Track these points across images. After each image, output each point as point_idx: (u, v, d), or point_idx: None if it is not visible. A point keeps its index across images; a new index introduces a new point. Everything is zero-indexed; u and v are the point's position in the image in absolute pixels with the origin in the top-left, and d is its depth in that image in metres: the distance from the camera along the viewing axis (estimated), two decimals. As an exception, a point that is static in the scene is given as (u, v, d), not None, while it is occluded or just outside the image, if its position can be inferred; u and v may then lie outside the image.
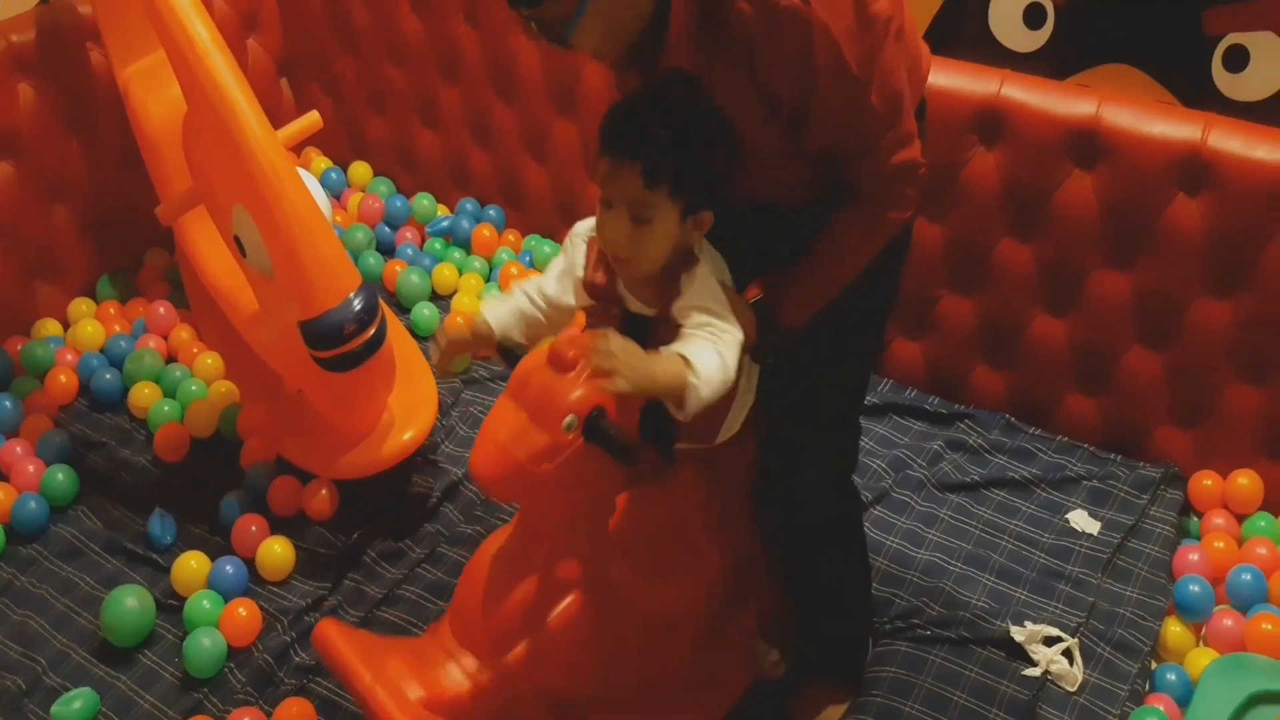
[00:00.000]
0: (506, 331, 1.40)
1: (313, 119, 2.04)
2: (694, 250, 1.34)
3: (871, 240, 1.34)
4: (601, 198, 1.29)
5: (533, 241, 2.70)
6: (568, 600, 1.40)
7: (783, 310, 1.38)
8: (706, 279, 1.32)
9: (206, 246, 2.05)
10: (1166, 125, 1.95)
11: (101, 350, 2.33)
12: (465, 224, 2.72)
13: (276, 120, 1.97)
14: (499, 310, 1.42)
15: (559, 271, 1.42)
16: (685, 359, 1.24)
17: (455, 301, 2.52)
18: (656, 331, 1.35)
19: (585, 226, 1.40)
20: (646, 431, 1.35)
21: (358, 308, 1.73)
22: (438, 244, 2.71)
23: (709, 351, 1.26)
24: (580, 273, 1.39)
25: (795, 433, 1.47)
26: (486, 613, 1.38)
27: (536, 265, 2.65)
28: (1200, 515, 2.04)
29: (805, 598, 1.65)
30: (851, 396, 1.53)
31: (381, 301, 1.82)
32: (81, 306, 2.43)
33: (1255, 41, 1.97)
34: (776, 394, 1.47)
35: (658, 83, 1.27)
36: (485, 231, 2.69)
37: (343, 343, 1.72)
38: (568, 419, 1.24)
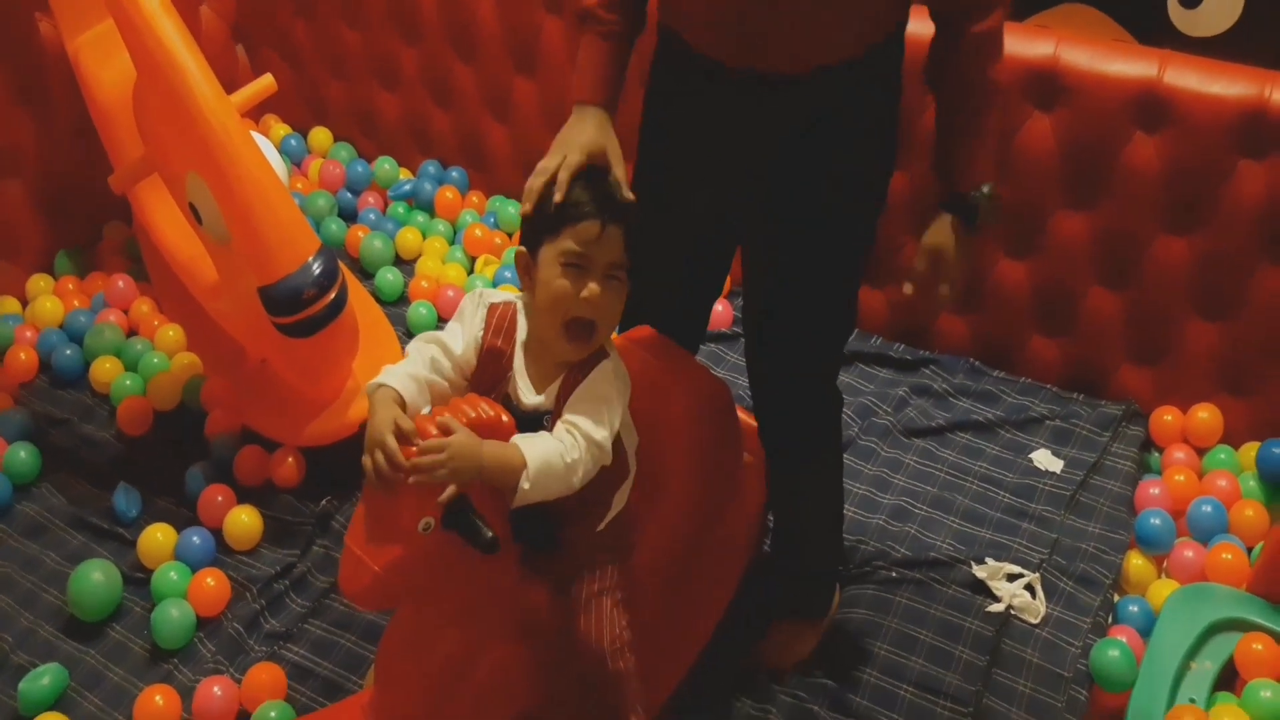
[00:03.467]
0: (413, 400, 1.28)
1: (266, 82, 2.01)
2: (605, 345, 1.34)
3: (1001, 56, 1.36)
4: (570, 263, 1.27)
5: (497, 203, 2.68)
6: (495, 649, 1.40)
7: (972, 171, 1.37)
8: (602, 374, 1.31)
9: (163, 216, 2.02)
10: (1123, 64, 1.95)
11: (61, 326, 2.31)
12: (428, 187, 2.70)
13: (232, 87, 1.95)
14: (399, 376, 1.29)
15: (459, 335, 1.36)
16: (524, 458, 1.22)
17: (419, 265, 2.50)
18: (554, 419, 1.32)
19: (489, 296, 1.37)
20: (519, 533, 1.34)
21: (317, 272, 1.71)
22: (400, 208, 2.69)
23: (553, 457, 1.24)
24: (479, 336, 1.34)
25: (810, 315, 1.47)
26: (415, 683, 1.37)
27: (500, 226, 2.63)
28: (1161, 450, 2.06)
29: (789, 513, 1.67)
30: (859, 270, 1.50)
31: (342, 265, 1.80)
32: (39, 283, 2.40)
33: (1210, -24, 1.97)
34: (786, 286, 1.45)
35: (589, 169, 1.31)
36: (448, 194, 2.67)
37: (303, 308, 1.71)
38: (423, 521, 1.20)
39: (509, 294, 1.39)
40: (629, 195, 1.33)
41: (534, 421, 1.32)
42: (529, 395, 1.33)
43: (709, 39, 1.33)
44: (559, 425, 1.29)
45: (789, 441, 1.60)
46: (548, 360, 1.34)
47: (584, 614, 1.40)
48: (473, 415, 1.26)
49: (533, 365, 1.34)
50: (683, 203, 1.44)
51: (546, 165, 1.32)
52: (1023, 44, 2.01)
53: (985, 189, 1.39)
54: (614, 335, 1.56)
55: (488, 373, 1.35)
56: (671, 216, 1.40)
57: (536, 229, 1.31)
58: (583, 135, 1.34)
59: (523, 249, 1.34)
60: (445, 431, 1.21)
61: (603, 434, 1.29)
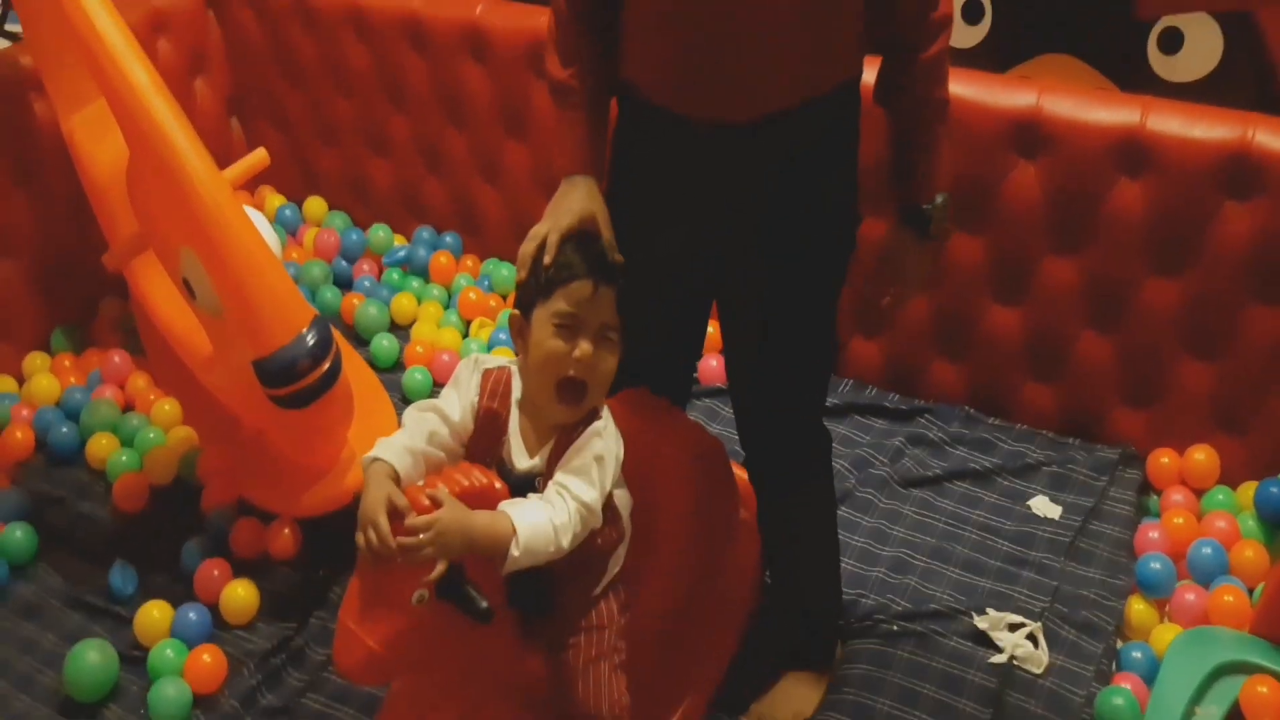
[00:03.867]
0: (408, 474, 1.29)
1: (259, 156, 2.04)
2: (598, 408, 1.35)
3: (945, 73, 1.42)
4: (563, 323, 1.30)
5: (491, 265, 2.70)
6: (494, 717, 1.39)
7: (927, 185, 1.44)
8: (594, 434, 1.32)
9: (158, 291, 2.04)
10: (1105, 111, 1.98)
11: (57, 404, 2.32)
12: (422, 252, 2.72)
13: (228, 160, 1.98)
14: (394, 449, 1.29)
15: (456, 401, 1.37)
16: (513, 525, 1.23)
17: (415, 331, 2.52)
18: (543, 486, 1.33)
19: (484, 362, 1.39)
20: (515, 598, 1.35)
21: (311, 343, 1.72)
22: (395, 274, 2.71)
23: (542, 520, 1.24)
24: (474, 400, 1.36)
25: (786, 354, 1.50)
26: None
27: (495, 289, 2.65)
28: (1159, 493, 2.05)
29: (783, 555, 1.67)
30: (833, 306, 1.53)
31: (337, 334, 1.81)
32: (36, 361, 2.41)
33: (1188, 23, 2.00)
34: (763, 321, 1.48)
35: (578, 234, 1.34)
36: (443, 259, 2.69)
37: (297, 379, 1.71)
38: (417, 593, 1.20)
39: (503, 359, 1.41)
40: (619, 258, 1.35)
41: (526, 485, 1.32)
42: (522, 459, 1.34)
43: (666, 91, 1.35)
44: (550, 487, 1.29)
45: (776, 478, 1.62)
46: (541, 423, 1.34)
47: (581, 680, 1.39)
48: (465, 484, 1.26)
49: (527, 428, 1.35)
50: (653, 254, 1.45)
51: (538, 231, 1.35)
52: (1006, 94, 2.04)
53: (939, 199, 1.46)
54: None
55: (484, 436, 1.36)
56: (643, 269, 1.43)
57: (529, 292, 1.33)
58: (572, 202, 1.37)
59: (516, 312, 1.36)
60: (435, 504, 1.21)
61: (592, 495, 1.29)
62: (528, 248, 1.34)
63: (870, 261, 1.55)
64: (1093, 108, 1.98)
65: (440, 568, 1.20)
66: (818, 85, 1.34)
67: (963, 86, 2.06)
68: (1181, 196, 1.94)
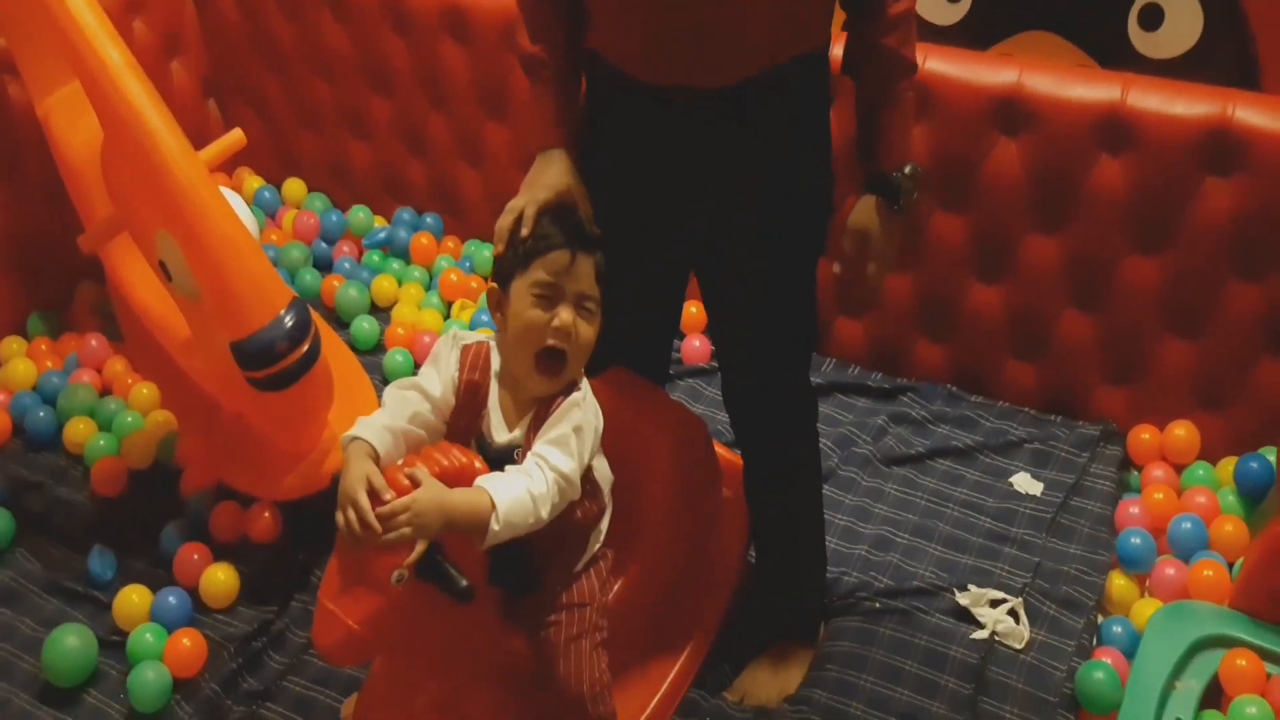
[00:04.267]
0: (388, 453, 1.27)
1: (235, 137, 2.01)
2: (577, 380, 1.35)
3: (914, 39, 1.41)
4: (542, 294, 1.30)
5: (472, 247, 2.69)
6: (475, 696, 1.39)
7: (895, 152, 1.42)
8: (572, 405, 1.32)
9: (135, 274, 2.01)
10: (1086, 88, 1.98)
11: (34, 388, 2.29)
12: (403, 234, 2.70)
13: (205, 142, 1.96)
14: (373, 428, 1.29)
15: (435, 377, 1.36)
16: (492, 499, 1.22)
17: (396, 312, 2.50)
18: (521, 457, 1.33)
19: (463, 338, 1.38)
20: (496, 576, 1.34)
21: (289, 325, 1.70)
22: (376, 256, 2.69)
23: (519, 492, 1.24)
24: (454, 375, 1.35)
25: (777, 332, 1.50)
26: None
27: (476, 270, 2.63)
28: (1140, 469, 2.06)
29: (768, 528, 1.67)
30: (812, 273, 1.52)
31: (316, 315, 1.79)
32: (12, 345, 2.39)
33: (1169, 0, 1.99)
34: (749, 300, 1.47)
35: (556, 207, 1.35)
36: (424, 240, 2.67)
37: (275, 361, 1.69)
38: (395, 573, 1.19)
39: (482, 334, 1.40)
40: (596, 230, 1.35)
41: (505, 457, 1.32)
42: (501, 433, 1.34)
43: (634, 59, 1.35)
44: (528, 457, 1.29)
45: (763, 449, 1.62)
46: (521, 396, 1.34)
47: (563, 658, 1.39)
48: (445, 464, 1.25)
49: (507, 402, 1.35)
50: (627, 227, 1.45)
51: (514, 205, 1.35)
52: (986, 72, 2.03)
53: (907, 169, 1.43)
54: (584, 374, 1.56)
55: (464, 411, 1.35)
56: (617, 242, 1.42)
57: (507, 264, 1.33)
58: (548, 176, 1.38)
59: (494, 285, 1.36)
60: (414, 484, 1.21)
61: (571, 466, 1.29)
62: (504, 221, 1.34)
63: (839, 238, 1.52)
64: (1073, 85, 1.98)
65: (420, 548, 1.19)
66: (787, 50, 1.33)
67: (944, 64, 2.05)
68: (1162, 173, 1.94)
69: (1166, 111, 1.92)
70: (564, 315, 1.29)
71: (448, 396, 1.35)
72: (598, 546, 1.44)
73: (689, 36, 1.29)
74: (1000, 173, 2.06)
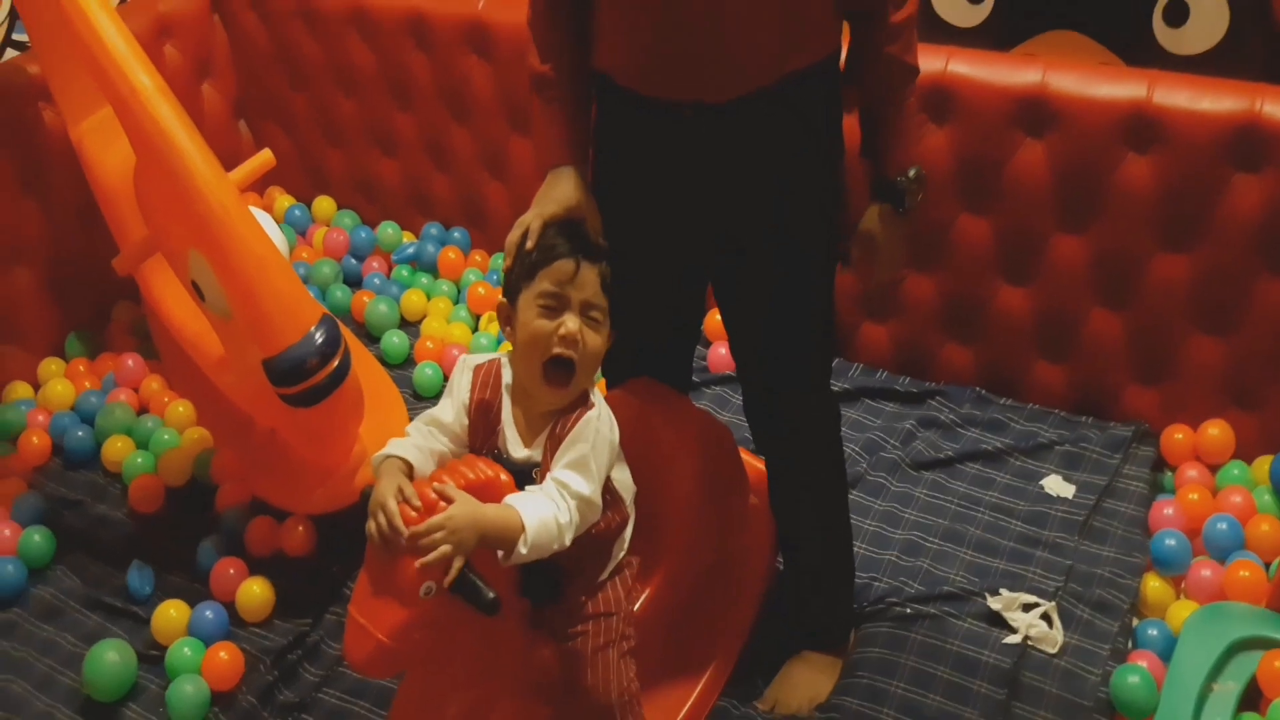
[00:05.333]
0: (420, 467, 1.32)
1: (265, 157, 2.05)
2: (590, 391, 1.37)
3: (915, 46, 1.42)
4: (547, 304, 1.31)
5: (499, 260, 2.71)
6: (505, 706, 1.40)
7: (898, 157, 1.43)
8: (588, 425, 1.32)
9: (169, 295, 2.05)
10: (1111, 86, 1.96)
11: (72, 408, 2.34)
12: (430, 249, 2.73)
13: (237, 163, 1.99)
14: (404, 447, 1.33)
15: (449, 404, 1.39)
16: (522, 521, 1.24)
17: (425, 326, 2.53)
18: (543, 471, 1.34)
19: (472, 360, 1.41)
20: (526, 588, 1.36)
21: (319, 341, 1.73)
22: (404, 271, 2.72)
23: (548, 517, 1.26)
24: (466, 398, 1.37)
25: (793, 341, 1.51)
26: None
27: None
28: (1174, 469, 2.04)
29: (794, 534, 1.67)
30: (829, 289, 1.53)
31: (346, 331, 1.81)
32: (51, 366, 2.44)
33: (1194, -6, 1.98)
34: (766, 303, 1.48)
35: (570, 221, 1.36)
36: (451, 254, 2.70)
37: (306, 377, 1.72)
38: (425, 586, 1.21)
39: (493, 353, 1.42)
40: (603, 242, 1.36)
41: (523, 475, 1.33)
42: (518, 448, 1.36)
43: (642, 76, 1.36)
44: (549, 483, 1.30)
45: (785, 457, 1.62)
46: (534, 411, 1.36)
47: (590, 668, 1.39)
48: (471, 477, 1.27)
49: (521, 417, 1.36)
50: (642, 242, 1.46)
51: (523, 220, 1.37)
52: (1010, 72, 2.02)
53: (911, 173, 1.44)
54: (603, 385, 1.57)
55: (479, 429, 1.37)
56: (634, 257, 1.43)
57: (515, 278, 1.35)
58: (557, 192, 1.39)
59: (503, 300, 1.38)
60: (444, 499, 1.22)
61: (591, 489, 1.30)
62: (513, 236, 1.36)
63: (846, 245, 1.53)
64: (1098, 83, 1.97)
65: (457, 566, 1.21)
66: (795, 61, 1.34)
67: (966, 66, 2.05)
68: (1190, 170, 1.92)
69: (1193, 108, 1.90)
70: (569, 324, 1.30)
71: (461, 419, 1.38)
72: (622, 555, 1.45)
73: (696, 52, 1.30)
74: (1025, 173, 2.05)
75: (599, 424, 1.34)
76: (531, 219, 1.36)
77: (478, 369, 1.39)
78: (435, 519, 1.20)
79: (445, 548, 1.19)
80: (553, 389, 1.32)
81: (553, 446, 1.33)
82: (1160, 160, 1.95)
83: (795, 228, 1.43)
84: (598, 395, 1.37)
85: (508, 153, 2.62)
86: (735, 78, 1.31)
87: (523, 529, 1.24)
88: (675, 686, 1.64)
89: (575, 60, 1.43)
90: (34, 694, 1.78)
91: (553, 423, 1.34)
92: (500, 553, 1.27)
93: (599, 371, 1.43)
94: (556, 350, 1.30)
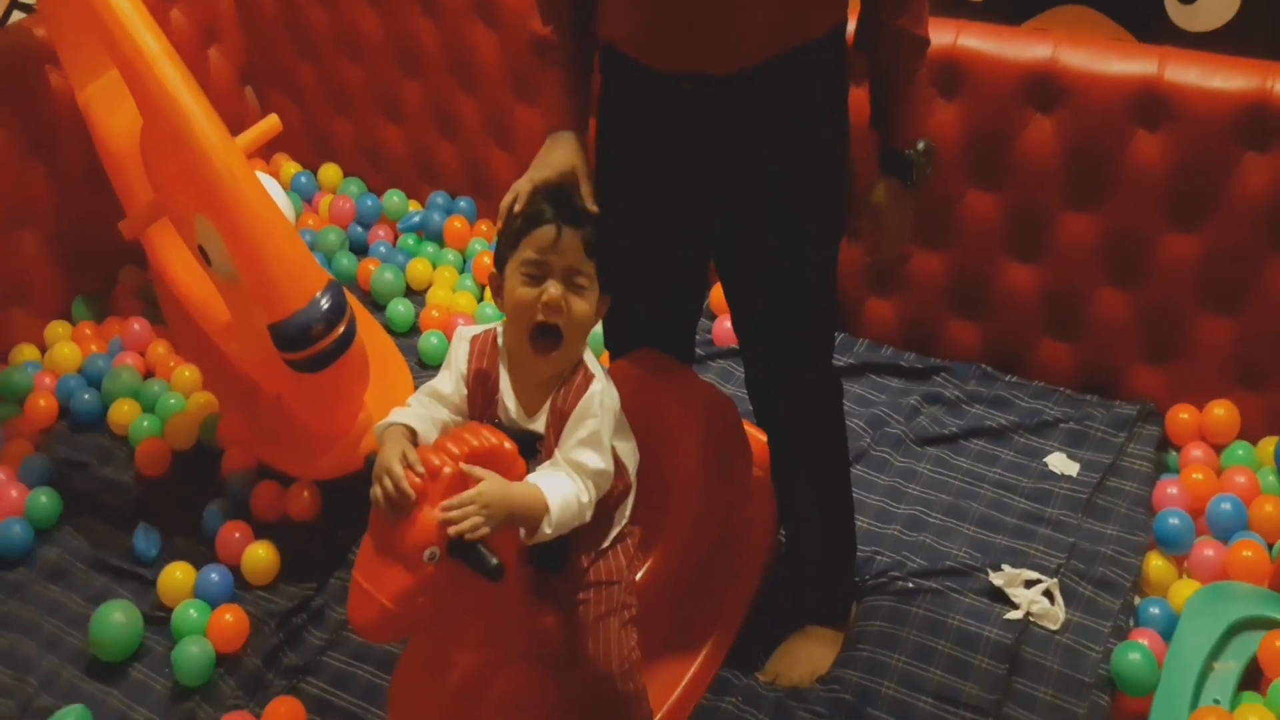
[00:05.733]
0: (425, 433, 1.32)
1: (271, 123, 2.04)
2: (587, 361, 1.37)
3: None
4: (530, 272, 1.31)
5: (504, 230, 2.70)
6: (507, 673, 1.41)
7: (907, 128, 1.43)
8: (596, 397, 1.33)
9: (176, 259, 2.05)
10: (1122, 62, 1.95)
11: (79, 371, 2.34)
12: (436, 218, 2.72)
13: (242, 128, 1.98)
14: (407, 415, 1.34)
15: (448, 376, 1.40)
16: (547, 502, 1.26)
17: (430, 295, 2.52)
18: (547, 443, 1.35)
19: (469, 331, 1.41)
20: (532, 556, 1.36)
21: (325, 307, 1.72)
22: (410, 240, 2.72)
23: (571, 498, 1.29)
24: (464, 369, 1.38)
25: (795, 315, 1.51)
26: (429, 711, 1.37)
27: (509, 253, 2.65)
28: (1178, 449, 2.04)
29: (798, 514, 1.68)
30: (832, 263, 1.53)
31: (352, 298, 1.81)
32: (57, 329, 2.44)
33: (1207, -30, 1.96)
34: (772, 278, 1.48)
35: (555, 185, 1.36)
36: (457, 224, 2.69)
37: (312, 343, 1.72)
38: (428, 551, 1.22)
39: (489, 325, 1.43)
40: (592, 207, 1.36)
41: (525, 443, 1.34)
42: (520, 417, 1.36)
43: (647, 47, 1.35)
44: (561, 464, 1.31)
45: (787, 430, 1.62)
46: (530, 380, 1.36)
47: (591, 637, 1.40)
48: (475, 444, 1.27)
49: (519, 388, 1.37)
50: (646, 213, 1.46)
51: (516, 185, 1.37)
52: (1021, 47, 2.01)
53: (920, 146, 1.44)
54: (606, 356, 1.56)
55: (478, 397, 1.38)
56: (637, 228, 1.43)
57: (503, 248, 1.35)
58: (553, 157, 1.40)
59: (493, 270, 1.38)
60: (443, 465, 1.23)
61: (606, 462, 1.33)
62: (505, 201, 1.37)
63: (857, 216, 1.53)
64: (1109, 59, 1.95)
65: (480, 531, 1.21)
66: (802, 33, 1.33)
67: (977, 40, 2.03)
68: (1200, 149, 1.91)
69: (1205, 86, 1.89)
70: (551, 290, 1.29)
71: (460, 389, 1.38)
72: (624, 523, 1.45)
73: (699, 23, 1.29)
74: (1035, 150, 2.04)
75: (604, 396, 1.34)
76: (523, 184, 1.37)
77: (474, 339, 1.40)
78: (466, 493, 1.22)
79: (477, 519, 1.21)
80: (541, 356, 1.33)
81: (557, 421, 1.34)
82: (1170, 138, 1.94)
83: (797, 202, 1.42)
84: (598, 366, 1.38)
85: (514, 122, 2.61)
86: (739, 50, 1.30)
87: (547, 509, 1.26)
88: (677, 656, 1.65)
89: (577, 24, 1.42)
90: (41, 653, 1.80)
91: (553, 394, 1.35)
92: (523, 530, 1.28)
93: (602, 342, 1.43)
94: (540, 317, 1.30)
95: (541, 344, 1.32)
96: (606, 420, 1.33)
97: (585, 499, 1.30)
